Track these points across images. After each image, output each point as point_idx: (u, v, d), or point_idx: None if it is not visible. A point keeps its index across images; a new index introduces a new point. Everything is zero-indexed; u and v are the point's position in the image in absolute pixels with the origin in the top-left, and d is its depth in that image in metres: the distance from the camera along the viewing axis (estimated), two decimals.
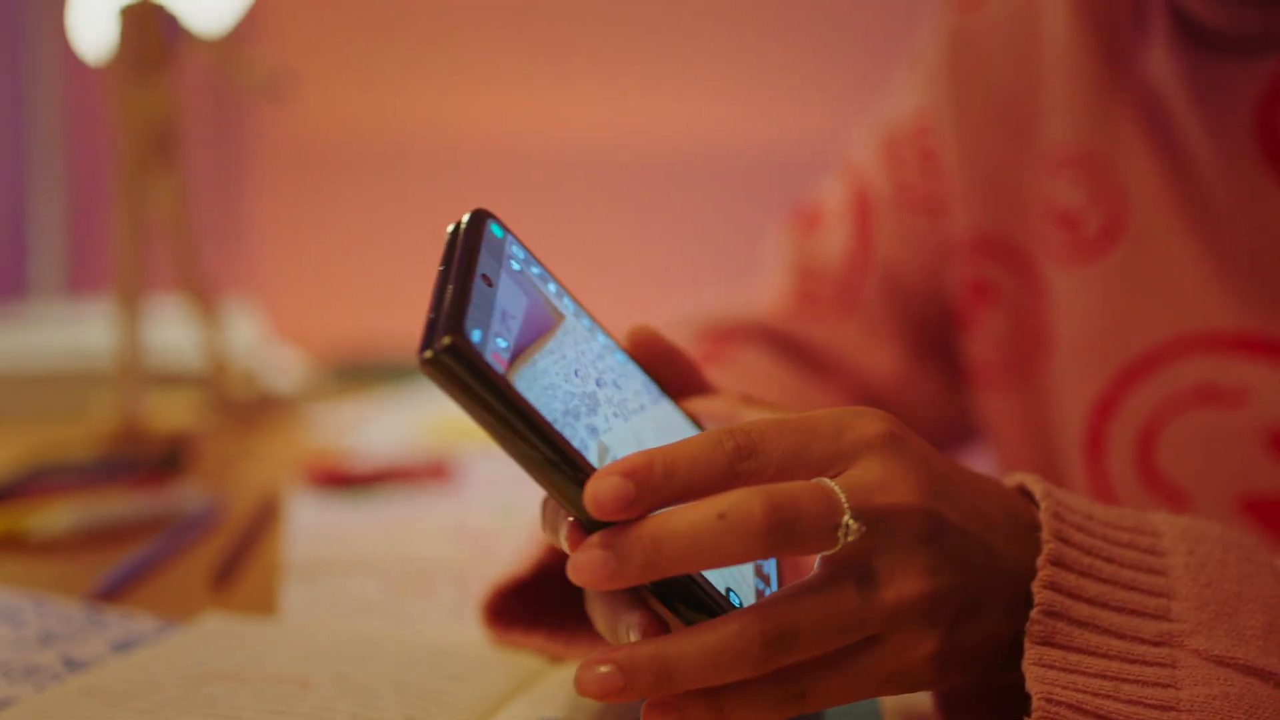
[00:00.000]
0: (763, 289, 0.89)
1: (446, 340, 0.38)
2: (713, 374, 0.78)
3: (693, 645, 0.40)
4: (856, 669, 0.43)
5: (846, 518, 0.41)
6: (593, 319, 0.49)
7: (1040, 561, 0.45)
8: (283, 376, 1.32)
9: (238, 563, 0.73)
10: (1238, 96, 0.65)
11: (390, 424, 1.19)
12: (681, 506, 0.41)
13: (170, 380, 1.21)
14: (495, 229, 0.45)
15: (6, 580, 0.70)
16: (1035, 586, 0.44)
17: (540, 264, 0.47)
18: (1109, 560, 0.46)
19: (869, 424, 0.44)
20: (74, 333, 1.25)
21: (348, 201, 1.91)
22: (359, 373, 1.46)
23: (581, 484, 0.40)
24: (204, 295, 1.13)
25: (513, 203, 1.84)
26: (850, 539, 0.41)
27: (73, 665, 0.56)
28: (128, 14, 1.06)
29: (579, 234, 1.86)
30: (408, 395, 1.34)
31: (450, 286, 0.41)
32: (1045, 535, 0.45)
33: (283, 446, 1.09)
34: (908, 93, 0.85)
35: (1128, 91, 0.70)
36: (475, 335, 0.39)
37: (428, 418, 1.21)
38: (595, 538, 0.40)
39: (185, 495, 0.85)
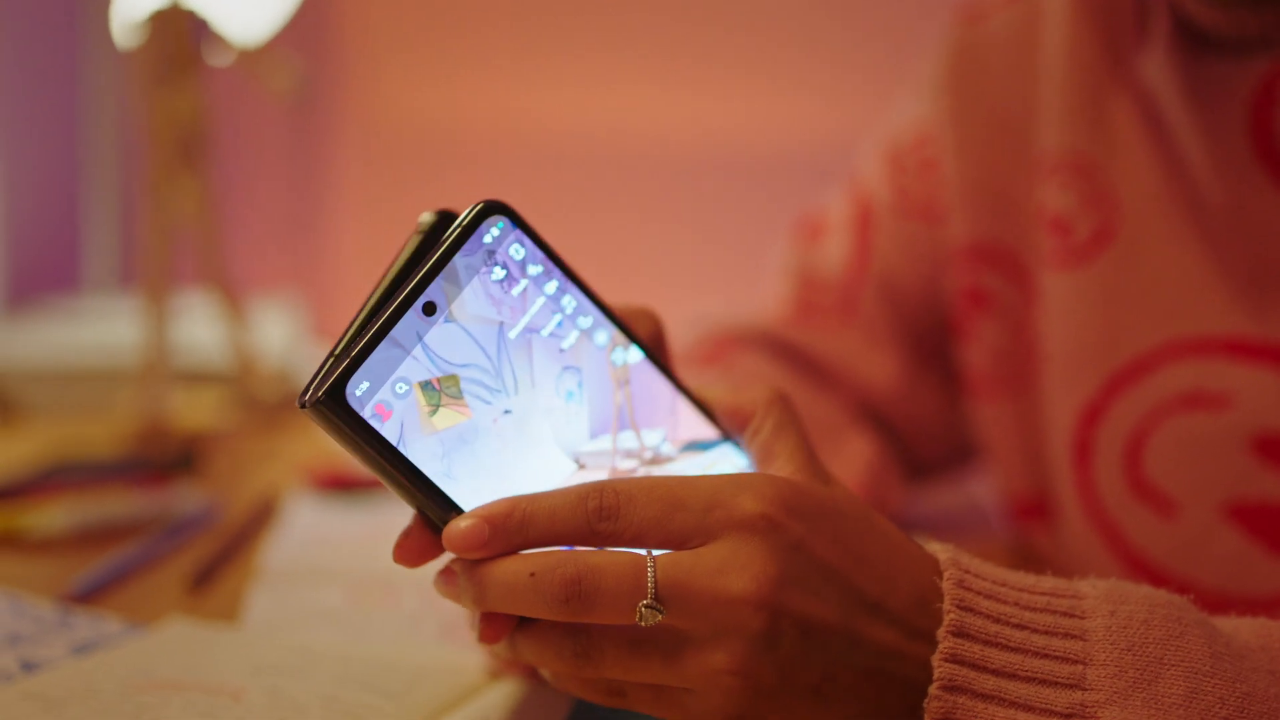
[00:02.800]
0: (766, 297, 0.90)
1: (319, 395, 0.42)
2: (712, 376, 0.80)
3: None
4: (669, 699, 0.45)
5: (644, 603, 0.43)
6: (606, 318, 0.50)
7: (940, 633, 0.44)
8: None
9: (219, 567, 0.75)
10: (1232, 97, 0.66)
11: None
12: (505, 559, 0.44)
13: (199, 379, 1.24)
14: (499, 226, 0.46)
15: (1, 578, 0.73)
16: (935, 660, 0.43)
17: (549, 261, 0.48)
18: (1020, 627, 0.45)
19: (745, 503, 0.44)
20: (118, 328, 1.29)
21: (415, 197, 1.94)
22: None
23: (444, 522, 0.44)
24: (230, 294, 1.16)
25: (577, 198, 1.86)
26: (645, 623, 0.43)
27: (29, 667, 0.59)
28: (155, 18, 1.09)
29: (648, 229, 1.87)
30: None
31: (369, 322, 0.44)
32: (946, 605, 0.44)
33: (303, 448, 1.11)
34: (912, 103, 0.86)
35: (1122, 96, 0.71)
36: (360, 389, 0.42)
37: None
38: (451, 563, 0.45)
39: (184, 497, 0.87)
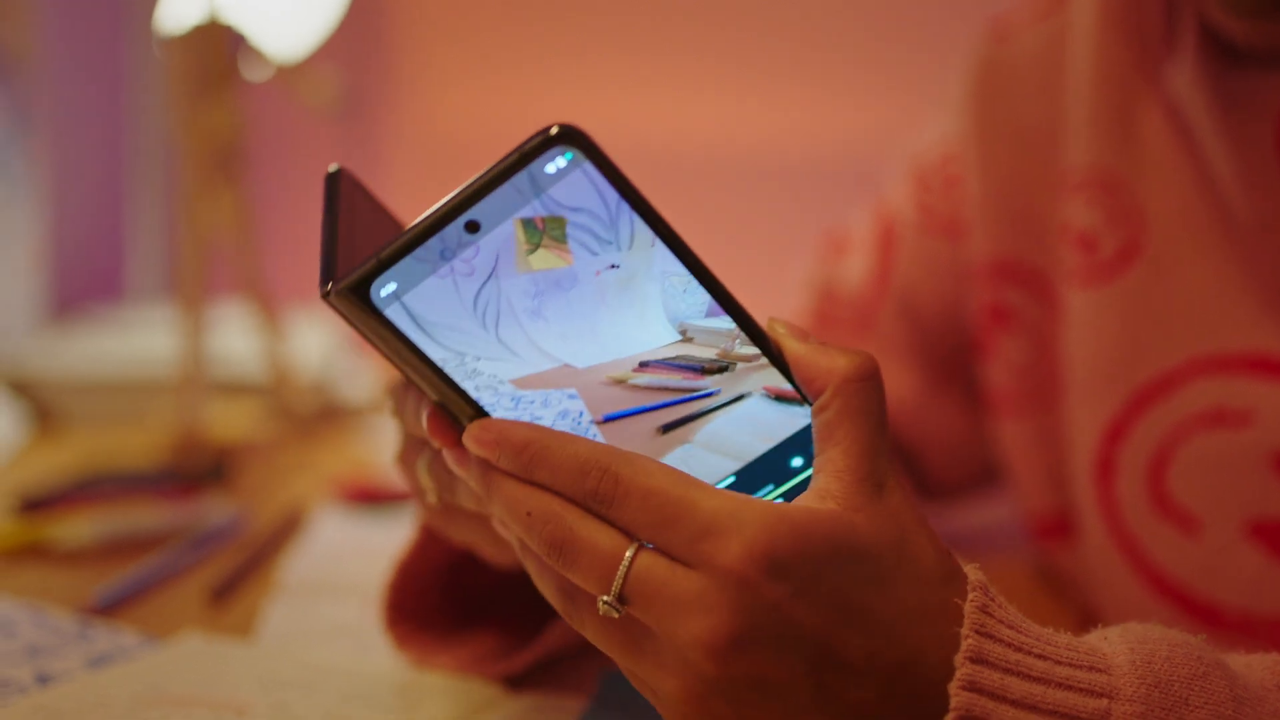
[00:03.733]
0: (785, 310, 0.91)
1: (341, 285, 0.43)
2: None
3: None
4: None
5: (604, 598, 0.44)
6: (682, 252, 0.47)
7: (958, 659, 0.42)
8: (354, 387, 1.36)
9: (240, 580, 0.77)
10: (1262, 110, 0.65)
11: None
12: (515, 486, 0.46)
13: (235, 390, 1.26)
14: (566, 155, 0.44)
15: (26, 589, 0.74)
16: (952, 688, 0.42)
17: (623, 189, 0.45)
18: (1041, 657, 0.43)
19: (732, 547, 0.42)
20: (160, 338, 1.31)
21: None
22: None
23: (470, 418, 0.47)
24: (267, 305, 1.18)
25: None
26: (601, 613, 0.44)
27: (44, 679, 0.60)
28: (193, 33, 1.10)
29: (705, 238, 1.87)
30: None
31: (414, 229, 0.44)
32: (965, 630, 0.43)
33: (336, 460, 1.13)
34: (939, 121, 0.86)
35: (1150, 111, 0.71)
36: (387, 288, 0.44)
37: None
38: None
39: (211, 509, 0.89)
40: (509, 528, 0.47)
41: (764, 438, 0.48)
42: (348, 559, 0.81)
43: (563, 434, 0.45)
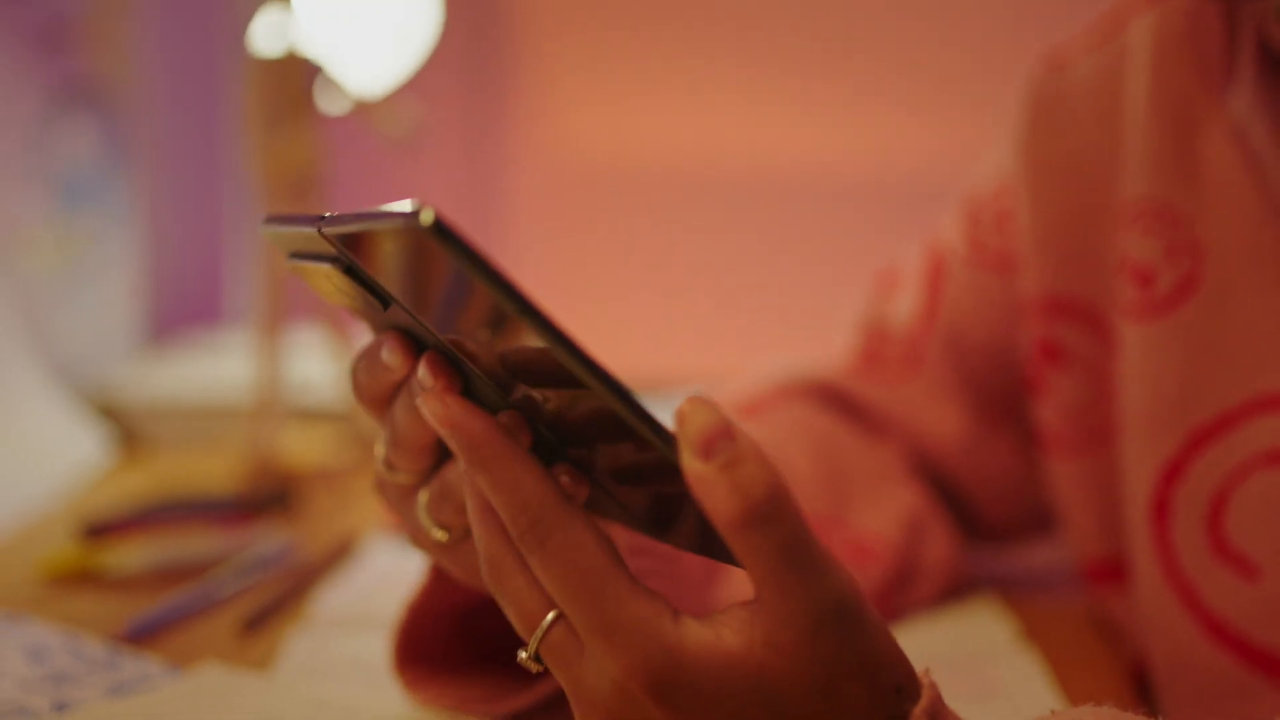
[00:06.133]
0: (836, 347, 0.91)
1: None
2: (750, 424, 0.81)
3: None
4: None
5: (524, 654, 0.46)
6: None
7: None
8: None
9: (276, 611, 0.79)
10: None
11: None
12: (480, 480, 0.46)
13: (312, 416, 1.29)
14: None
15: (71, 615, 0.78)
16: None
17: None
18: None
19: (624, 657, 0.44)
20: (245, 363, 1.35)
21: (589, 231, 1.97)
22: None
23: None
24: (342, 333, 1.21)
25: (750, 228, 1.88)
26: (521, 663, 0.46)
27: (60, 708, 0.63)
28: (270, 64, 1.14)
29: (830, 261, 1.87)
30: None
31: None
32: (917, 714, 0.45)
33: None
34: (994, 153, 0.86)
35: (1211, 140, 0.70)
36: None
37: None
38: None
39: (263, 537, 0.91)
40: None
41: None
42: (383, 591, 0.83)
43: (518, 453, 0.45)
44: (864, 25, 1.89)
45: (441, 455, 0.53)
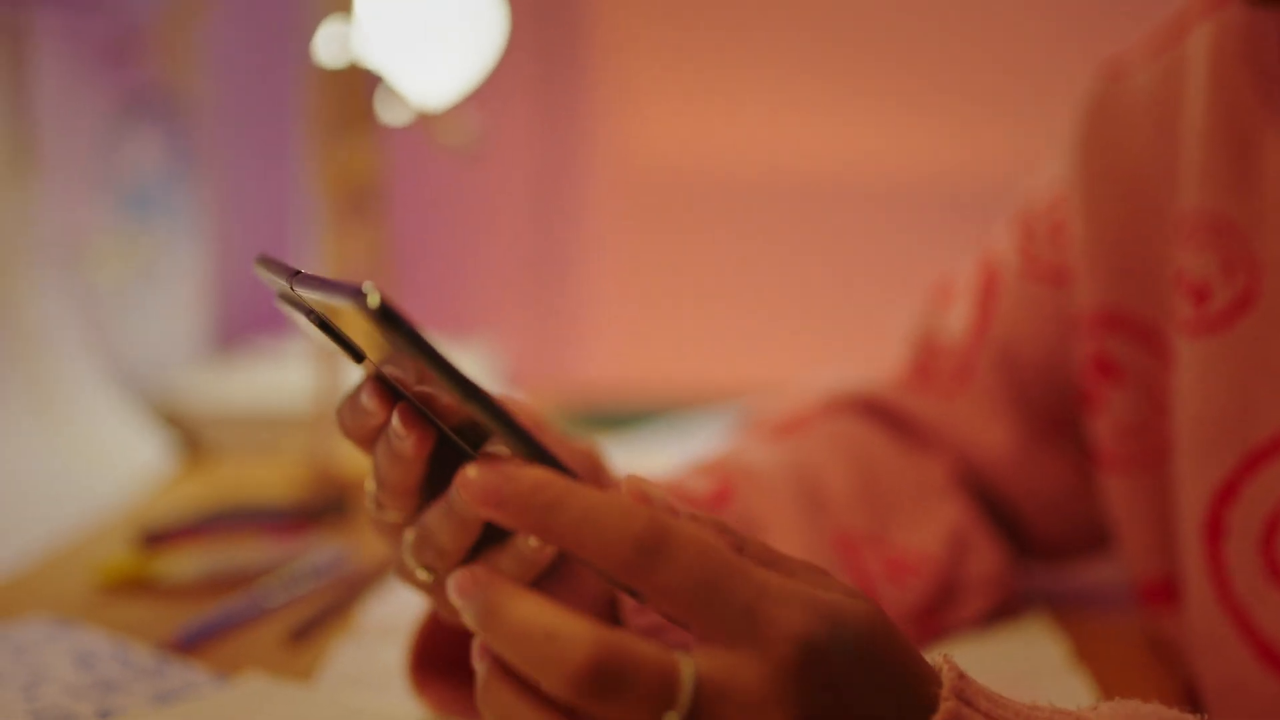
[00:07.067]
0: (888, 360, 0.91)
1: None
2: (786, 447, 0.81)
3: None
4: None
5: (671, 714, 0.40)
6: None
7: None
8: None
9: (323, 620, 0.80)
10: None
11: None
12: (528, 601, 0.41)
13: None
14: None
15: (122, 622, 0.80)
16: None
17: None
18: (1020, 714, 0.46)
19: (793, 613, 0.42)
20: (306, 371, 1.37)
21: (667, 239, 1.98)
22: (588, 419, 1.52)
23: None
24: None
25: (831, 235, 1.88)
26: None
27: (105, 715, 0.65)
28: (332, 74, 1.16)
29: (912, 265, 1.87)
30: (626, 445, 1.38)
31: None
32: (944, 693, 0.45)
33: None
34: (1051, 163, 0.85)
35: (1270, 151, 0.69)
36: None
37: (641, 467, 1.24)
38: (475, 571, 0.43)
39: (316, 547, 0.93)
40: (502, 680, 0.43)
41: None
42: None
43: (586, 488, 0.42)
44: (939, 35, 1.88)
45: (426, 497, 0.54)
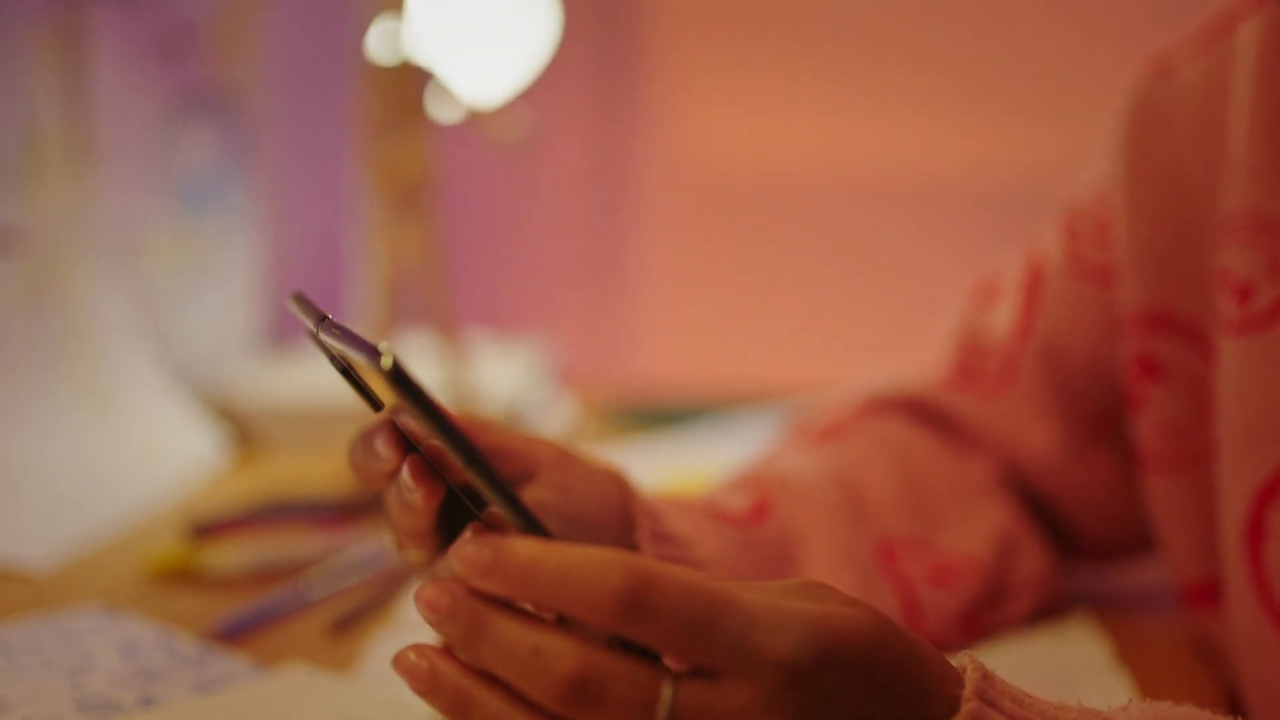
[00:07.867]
0: (931, 360, 0.91)
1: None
2: (827, 451, 0.81)
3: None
4: None
5: None
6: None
7: None
8: (548, 419, 1.41)
9: (365, 612, 0.81)
10: None
11: (640, 472, 1.24)
12: (511, 622, 0.44)
13: None
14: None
15: (169, 612, 0.81)
16: None
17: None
18: (1044, 714, 0.46)
19: (783, 639, 0.43)
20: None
21: (718, 239, 1.99)
22: (639, 416, 1.53)
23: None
24: (453, 337, 1.24)
25: (885, 236, 1.88)
26: None
27: (147, 703, 0.66)
28: (385, 72, 1.17)
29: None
30: (676, 442, 1.38)
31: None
32: (966, 694, 0.45)
33: None
34: (1097, 161, 0.85)
35: None
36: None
37: (685, 468, 1.24)
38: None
39: (361, 539, 0.94)
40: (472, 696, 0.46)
41: None
42: None
43: (567, 547, 0.43)
44: (998, 39, 1.87)
45: (444, 540, 0.56)
